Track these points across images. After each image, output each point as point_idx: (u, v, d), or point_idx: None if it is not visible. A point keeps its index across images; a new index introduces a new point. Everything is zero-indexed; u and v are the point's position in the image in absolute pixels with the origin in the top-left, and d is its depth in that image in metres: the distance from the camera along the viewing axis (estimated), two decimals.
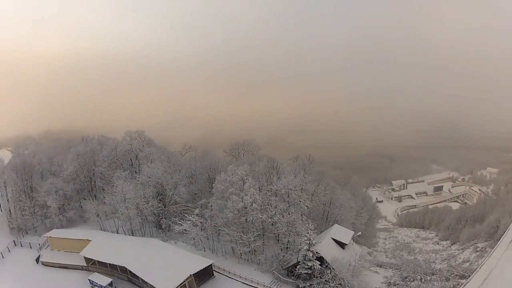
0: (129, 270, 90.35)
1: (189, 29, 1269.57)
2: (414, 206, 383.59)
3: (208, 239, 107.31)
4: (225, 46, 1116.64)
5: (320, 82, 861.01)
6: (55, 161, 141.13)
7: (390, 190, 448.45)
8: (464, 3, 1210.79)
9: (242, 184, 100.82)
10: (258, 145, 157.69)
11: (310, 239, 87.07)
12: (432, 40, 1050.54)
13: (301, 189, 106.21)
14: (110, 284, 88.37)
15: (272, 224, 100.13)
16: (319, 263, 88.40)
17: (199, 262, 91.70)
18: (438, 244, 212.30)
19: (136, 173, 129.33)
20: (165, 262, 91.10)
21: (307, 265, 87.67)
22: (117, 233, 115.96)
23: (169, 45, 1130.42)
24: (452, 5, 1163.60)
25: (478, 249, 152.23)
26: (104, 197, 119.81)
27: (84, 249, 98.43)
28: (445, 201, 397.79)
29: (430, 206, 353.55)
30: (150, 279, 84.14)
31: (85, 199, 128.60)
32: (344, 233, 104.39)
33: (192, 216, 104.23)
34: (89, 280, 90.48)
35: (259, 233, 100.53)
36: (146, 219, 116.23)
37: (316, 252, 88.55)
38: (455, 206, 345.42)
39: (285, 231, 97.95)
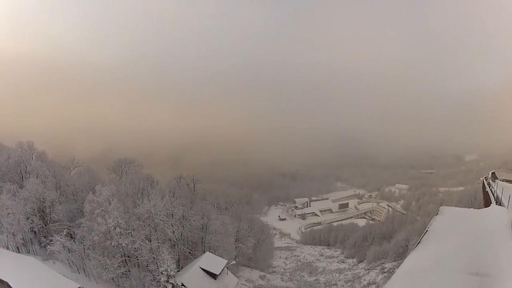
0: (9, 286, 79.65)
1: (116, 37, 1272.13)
2: (319, 223, 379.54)
3: (82, 261, 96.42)
4: (137, 63, 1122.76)
5: (225, 102, 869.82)
6: None
7: (293, 208, 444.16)
8: (364, 23, 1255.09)
9: (108, 205, 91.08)
10: (141, 163, 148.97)
11: (167, 270, 79.58)
12: (333, 60, 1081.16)
13: (167, 213, 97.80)
14: None
15: (134, 250, 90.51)
16: None
17: (66, 286, 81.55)
18: (343, 262, 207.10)
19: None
20: (36, 282, 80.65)
21: None
22: (7, 248, 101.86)
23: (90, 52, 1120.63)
24: (350, 25, 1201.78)
25: (386, 270, 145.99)
26: None
27: None
28: (351, 217, 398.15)
29: (335, 223, 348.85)
30: None
31: None
32: (215, 262, 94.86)
33: (61, 236, 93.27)
34: None
35: (123, 258, 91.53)
36: (32, 236, 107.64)
37: (181, 284, 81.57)
38: (362, 222, 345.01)
39: (149, 258, 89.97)
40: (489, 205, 63.58)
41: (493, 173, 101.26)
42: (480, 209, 56.45)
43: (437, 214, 46.26)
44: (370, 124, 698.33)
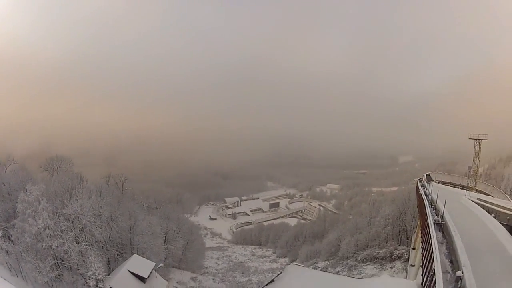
0: None
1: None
2: (250, 223, 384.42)
3: (18, 264, 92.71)
4: (88, 63, 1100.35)
5: (166, 104, 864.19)
6: None
7: (223, 208, 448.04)
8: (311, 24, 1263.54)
9: (38, 205, 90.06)
10: (71, 161, 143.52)
11: (95, 274, 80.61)
12: (271, 59, 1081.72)
13: (95, 214, 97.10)
14: None
15: (64, 252, 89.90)
16: None
17: None
18: (275, 262, 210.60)
19: None
20: None
21: None
22: None
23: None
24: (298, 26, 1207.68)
25: (318, 269, 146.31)
26: None
27: None
28: (282, 217, 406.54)
29: (266, 223, 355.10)
30: None
31: None
32: (143, 265, 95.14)
33: None
34: None
35: (55, 261, 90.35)
36: None
37: None
38: (293, 222, 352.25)
39: (78, 261, 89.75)
40: (424, 210, 63.52)
41: (427, 174, 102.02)
42: (365, 281, 43.29)
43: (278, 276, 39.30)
44: (308, 124, 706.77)
